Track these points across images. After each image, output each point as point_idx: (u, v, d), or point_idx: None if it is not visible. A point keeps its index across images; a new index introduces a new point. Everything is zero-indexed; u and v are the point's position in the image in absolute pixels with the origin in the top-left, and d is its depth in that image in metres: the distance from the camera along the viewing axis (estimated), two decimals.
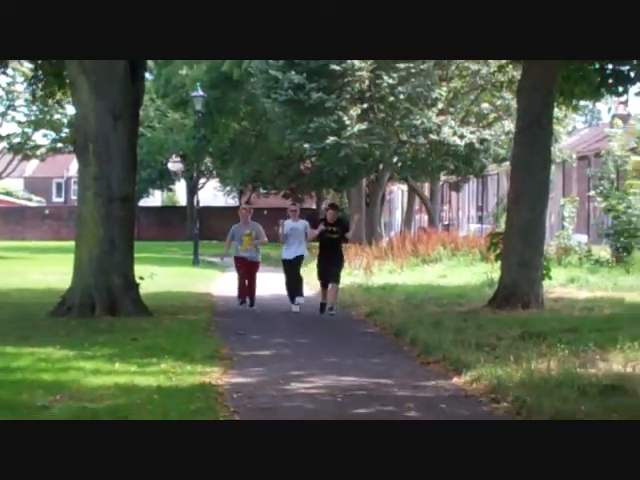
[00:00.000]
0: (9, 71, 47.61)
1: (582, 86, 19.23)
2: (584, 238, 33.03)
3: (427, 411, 8.87)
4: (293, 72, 35.96)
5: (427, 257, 30.11)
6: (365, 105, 37.11)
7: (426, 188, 50.45)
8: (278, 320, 17.15)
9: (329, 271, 17.39)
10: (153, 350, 12.25)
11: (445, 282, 23.47)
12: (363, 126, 36.35)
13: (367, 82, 36.38)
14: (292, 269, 17.97)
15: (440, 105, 37.44)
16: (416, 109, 36.66)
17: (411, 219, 49.82)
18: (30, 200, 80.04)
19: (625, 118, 33.99)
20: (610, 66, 19.10)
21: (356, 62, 35.24)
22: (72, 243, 17.99)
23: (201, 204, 45.83)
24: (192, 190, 60.14)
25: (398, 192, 69.11)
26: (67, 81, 19.41)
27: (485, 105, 39.38)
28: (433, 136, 36.62)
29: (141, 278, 17.62)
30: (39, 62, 21.59)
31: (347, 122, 35.87)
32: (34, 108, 52.82)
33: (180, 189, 78.43)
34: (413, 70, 35.75)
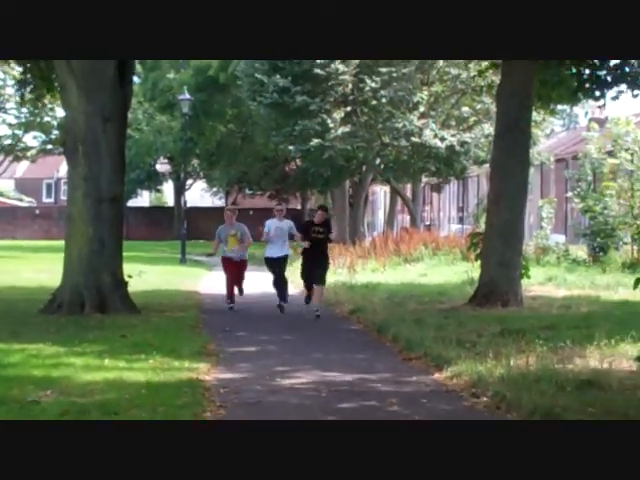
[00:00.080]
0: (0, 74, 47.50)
1: (559, 90, 19.28)
2: (562, 238, 33.11)
3: (409, 406, 8.88)
4: (278, 76, 35.95)
5: (409, 256, 30.14)
6: (348, 108, 37.14)
7: (408, 189, 50.50)
8: (264, 317, 17.10)
9: (313, 273, 17.02)
10: (141, 347, 12.24)
11: (426, 281, 23.50)
12: (346, 129, 36.38)
13: (350, 86, 36.41)
14: (277, 269, 17.77)
15: (421, 108, 37.51)
16: (398, 112, 36.70)
17: (393, 219, 49.85)
18: (21, 200, 79.76)
19: (601, 122, 34.06)
20: (587, 71, 19.16)
21: (340, 66, 35.27)
22: (62, 242, 17.94)
23: (188, 205, 45.80)
24: (180, 191, 60.11)
25: (381, 193, 69.16)
26: (56, 84, 19.36)
27: (465, 109, 39.45)
28: (415, 139, 36.67)
29: (130, 276, 17.61)
30: (28, 65, 21.52)
31: (331, 125, 35.89)
32: (24, 110, 52.67)
33: (168, 190, 78.35)
34: (395, 74, 35.80)
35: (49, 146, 55.02)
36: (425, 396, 9.44)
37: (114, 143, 17.14)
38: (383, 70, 35.63)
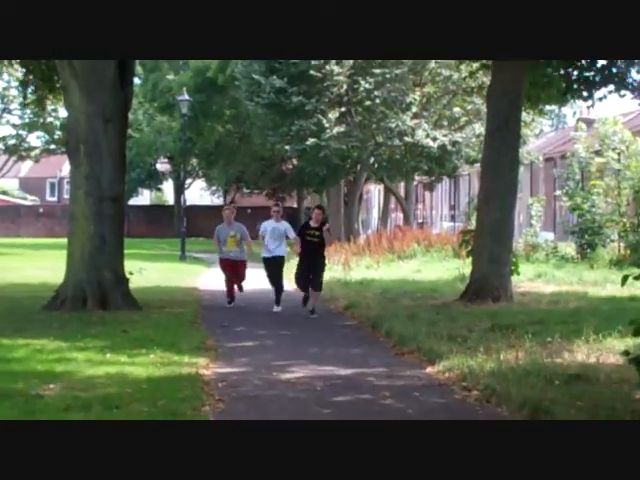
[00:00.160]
0: (4, 76, 47.45)
1: (548, 91, 19.28)
2: (551, 235, 33.19)
3: (402, 399, 8.89)
4: (275, 77, 35.92)
5: (402, 253, 30.16)
6: (343, 109, 37.11)
7: (401, 188, 50.49)
8: (261, 313, 17.10)
9: (309, 277, 16.61)
10: (142, 342, 12.25)
11: (419, 277, 23.51)
12: (341, 129, 36.34)
13: (345, 87, 36.36)
14: (274, 269, 17.51)
15: (414, 109, 37.47)
16: (391, 113, 36.68)
17: (387, 217, 49.84)
18: (25, 199, 79.67)
19: (589, 122, 34.10)
20: (575, 72, 19.16)
21: (335, 67, 35.24)
22: (65, 240, 17.93)
23: (188, 203, 45.73)
24: (179, 190, 60.07)
25: (375, 192, 69.19)
26: (58, 86, 19.34)
27: (457, 109, 39.42)
28: (408, 138, 36.65)
29: (131, 273, 17.58)
30: (30, 67, 21.48)
31: (326, 125, 35.85)
32: (28, 111, 52.62)
33: (168, 189, 78.29)
34: (388, 75, 35.75)
35: (52, 146, 54.96)
36: (418, 389, 9.45)
37: (115, 143, 17.13)
38: (377, 71, 35.60)
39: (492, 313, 14.92)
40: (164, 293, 20.07)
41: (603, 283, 19.77)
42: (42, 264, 28.52)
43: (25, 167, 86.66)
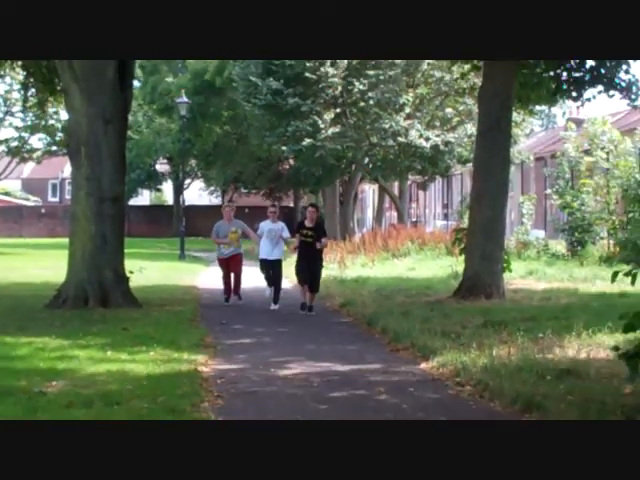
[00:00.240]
0: (7, 79, 47.39)
1: (538, 92, 19.26)
2: (541, 233, 33.21)
3: (397, 394, 8.88)
4: (271, 79, 35.94)
5: (397, 251, 30.16)
6: (338, 110, 37.13)
7: (395, 187, 50.50)
8: (259, 311, 17.07)
9: (307, 273, 16.45)
10: (142, 339, 12.22)
11: (413, 275, 23.50)
12: (336, 129, 36.36)
13: (340, 88, 36.38)
14: (275, 272, 17.35)
15: (407, 110, 37.51)
16: (385, 114, 36.70)
17: (381, 216, 49.85)
18: (27, 200, 79.59)
19: (579, 122, 34.11)
20: (565, 73, 19.15)
21: (329, 69, 35.25)
22: (66, 240, 17.91)
23: (187, 203, 45.81)
24: (178, 190, 60.00)
25: (369, 191, 69.23)
26: (58, 88, 19.29)
27: (449, 110, 39.47)
28: (401, 139, 36.68)
29: (131, 272, 17.55)
30: (31, 70, 21.43)
31: (321, 125, 35.87)
32: (30, 114, 52.53)
33: (167, 189, 78.23)
34: (382, 77, 35.79)
35: (54, 148, 54.77)
36: (412, 385, 9.44)
37: (115, 145, 17.10)
38: (370, 73, 35.63)
39: (485, 310, 14.92)
40: (164, 291, 20.04)
41: (593, 280, 19.79)
42: (44, 264, 28.47)
43: (27, 168, 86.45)
